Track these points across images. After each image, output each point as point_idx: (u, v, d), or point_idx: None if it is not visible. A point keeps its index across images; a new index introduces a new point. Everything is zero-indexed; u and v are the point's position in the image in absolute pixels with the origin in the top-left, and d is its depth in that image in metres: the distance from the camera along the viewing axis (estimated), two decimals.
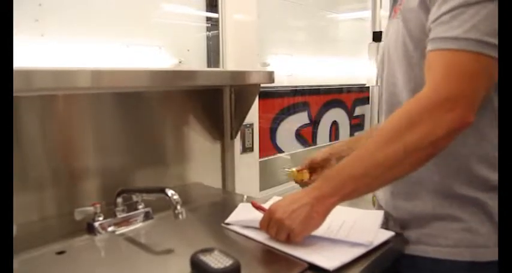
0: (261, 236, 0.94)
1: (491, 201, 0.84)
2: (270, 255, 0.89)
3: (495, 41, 0.71)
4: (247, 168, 1.70)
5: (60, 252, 0.92)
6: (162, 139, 1.40)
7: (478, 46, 0.72)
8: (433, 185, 0.90)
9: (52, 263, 0.89)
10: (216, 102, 1.58)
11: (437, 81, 0.75)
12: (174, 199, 0.91)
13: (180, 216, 0.90)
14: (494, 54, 0.71)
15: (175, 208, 0.90)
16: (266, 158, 1.89)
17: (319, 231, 0.92)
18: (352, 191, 0.83)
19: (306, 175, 1.19)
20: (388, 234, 0.94)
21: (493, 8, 0.71)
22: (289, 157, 2.06)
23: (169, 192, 0.92)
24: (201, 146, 1.55)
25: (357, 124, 2.58)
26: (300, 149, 2.13)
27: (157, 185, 0.99)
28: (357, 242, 0.88)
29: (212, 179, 1.59)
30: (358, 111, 2.59)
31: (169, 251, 0.93)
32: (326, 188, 0.84)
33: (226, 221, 1.04)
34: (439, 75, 0.75)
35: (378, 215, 1.02)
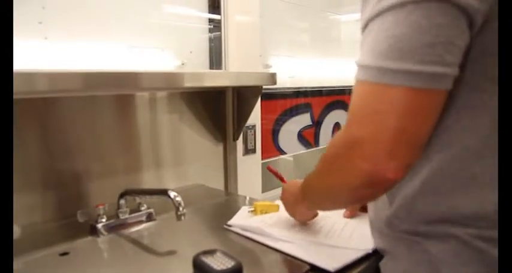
0: (262, 238, 0.94)
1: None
2: (271, 257, 0.89)
3: (400, 64, 0.53)
4: (249, 170, 1.70)
5: (64, 254, 0.93)
6: (165, 141, 1.41)
7: (377, 76, 0.55)
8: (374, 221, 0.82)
9: (56, 264, 0.89)
10: (219, 103, 1.58)
11: (348, 119, 0.60)
12: (177, 201, 0.91)
13: (183, 217, 0.90)
14: (403, 81, 0.54)
15: (178, 209, 0.90)
16: (269, 160, 1.89)
17: (321, 235, 0.92)
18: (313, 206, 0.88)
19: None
20: None
21: (402, 16, 0.54)
22: (291, 159, 2.06)
23: (172, 194, 0.92)
24: (203, 147, 1.55)
25: None
26: (302, 150, 2.13)
27: (159, 187, 1.00)
28: (356, 249, 0.87)
29: (215, 181, 1.59)
30: None
31: (172, 252, 0.94)
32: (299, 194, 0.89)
33: (229, 222, 1.05)
34: (349, 111, 0.60)
35: None
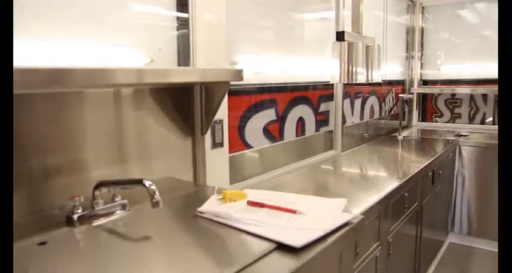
0: (232, 222, 1.01)
1: None
2: (242, 238, 0.96)
3: None
4: (217, 163, 1.77)
5: (42, 243, 0.97)
6: (133, 136, 1.45)
7: None
8: None
9: (35, 253, 0.93)
10: (187, 99, 1.64)
11: None
12: (152, 189, 0.97)
13: (158, 204, 0.96)
14: None
15: (153, 197, 0.96)
16: (236, 153, 1.96)
17: (285, 218, 1.00)
18: None
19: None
20: (348, 216, 1.03)
21: None
22: (257, 153, 2.14)
23: (147, 183, 0.98)
24: (172, 142, 1.60)
25: (322, 120, 2.69)
26: (268, 144, 2.21)
27: (134, 178, 1.05)
28: (318, 229, 0.96)
29: (184, 174, 1.65)
30: (323, 107, 2.70)
31: (146, 239, 0.99)
32: None
33: (199, 209, 1.11)
34: None
35: (341, 202, 1.11)
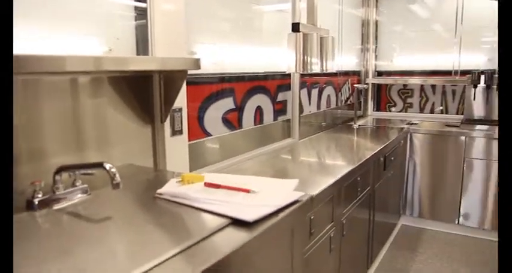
0: (190, 201, 1.07)
1: None
2: (199, 215, 1.02)
3: None
4: (177, 150, 1.81)
5: None
6: (94, 124, 1.47)
7: None
8: None
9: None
10: (146, 88, 1.67)
11: None
12: (112, 172, 1.01)
13: (119, 186, 1.00)
14: None
15: (113, 179, 1.01)
16: (196, 141, 2.01)
17: (239, 197, 1.08)
18: None
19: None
20: (298, 194, 1.12)
21: None
22: (216, 140, 2.20)
23: (107, 165, 1.02)
24: (132, 129, 1.63)
25: (280, 109, 2.78)
26: (227, 132, 2.27)
27: (94, 162, 1.09)
28: (270, 205, 1.04)
29: (144, 161, 1.68)
30: (280, 96, 2.78)
31: (108, 219, 1.04)
32: None
33: (159, 191, 1.16)
34: None
35: (293, 182, 1.20)
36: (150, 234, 0.96)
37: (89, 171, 1.09)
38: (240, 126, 2.39)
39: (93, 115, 1.46)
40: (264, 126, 2.63)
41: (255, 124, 2.53)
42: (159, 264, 0.81)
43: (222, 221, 0.97)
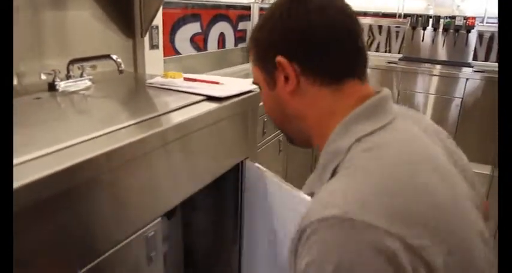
0: (174, 87, 1.45)
1: None
2: (181, 95, 1.41)
3: None
4: (154, 63, 2.16)
5: (37, 98, 1.34)
6: (81, 36, 1.74)
7: None
8: None
9: (33, 104, 1.31)
10: (127, 5, 1.97)
11: None
12: (118, 62, 1.37)
13: (123, 72, 1.37)
14: None
15: (119, 66, 1.37)
16: (167, 58, 2.36)
17: (212, 86, 1.47)
18: None
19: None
20: (255, 86, 1.52)
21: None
22: (185, 59, 2.55)
23: (114, 56, 1.37)
24: (115, 41, 1.95)
25: (240, 37, 3.12)
26: (194, 52, 2.62)
27: (102, 54, 1.44)
28: (237, 89, 1.44)
29: (127, 70, 2.02)
30: (241, 25, 3.12)
31: (107, 96, 1.41)
32: None
33: (149, 81, 1.54)
34: None
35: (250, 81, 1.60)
36: (137, 105, 1.35)
37: (97, 63, 1.43)
38: (205, 48, 2.74)
39: (81, 25, 1.74)
40: (226, 50, 2.99)
41: (218, 48, 2.88)
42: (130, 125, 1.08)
43: (199, 98, 1.37)
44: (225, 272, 1.80)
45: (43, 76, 1.42)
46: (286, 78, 0.75)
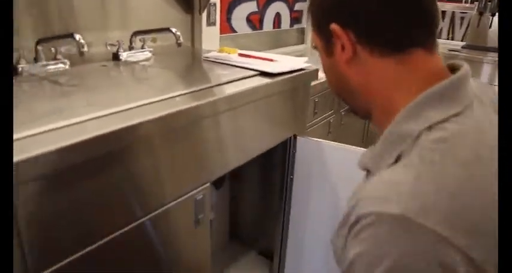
0: (229, 61, 1.50)
1: None
2: (235, 69, 1.45)
3: None
4: (211, 39, 2.21)
5: (103, 66, 1.44)
6: (142, 11, 1.81)
7: None
8: None
9: (100, 70, 1.41)
10: None
11: None
12: (177, 35, 1.43)
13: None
14: None
15: (178, 39, 1.42)
16: (224, 35, 2.40)
17: (266, 62, 1.50)
18: None
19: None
20: (308, 64, 1.54)
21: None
22: (241, 37, 2.59)
23: (173, 30, 1.43)
24: (175, 16, 2.01)
25: (296, 18, 3.11)
26: (249, 31, 2.65)
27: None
28: (288, 66, 1.46)
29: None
30: (297, 6, 3.10)
31: (168, 67, 1.48)
32: None
33: (205, 55, 1.59)
34: None
35: (304, 59, 1.62)
36: (193, 76, 1.40)
37: (157, 36, 1.50)
38: (260, 27, 2.76)
39: (143, 1, 1.81)
40: (281, 30, 3.00)
41: (273, 28, 2.90)
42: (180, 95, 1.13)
43: (252, 73, 1.40)
44: (269, 244, 1.86)
45: (108, 47, 1.52)
46: (343, 47, 0.70)
